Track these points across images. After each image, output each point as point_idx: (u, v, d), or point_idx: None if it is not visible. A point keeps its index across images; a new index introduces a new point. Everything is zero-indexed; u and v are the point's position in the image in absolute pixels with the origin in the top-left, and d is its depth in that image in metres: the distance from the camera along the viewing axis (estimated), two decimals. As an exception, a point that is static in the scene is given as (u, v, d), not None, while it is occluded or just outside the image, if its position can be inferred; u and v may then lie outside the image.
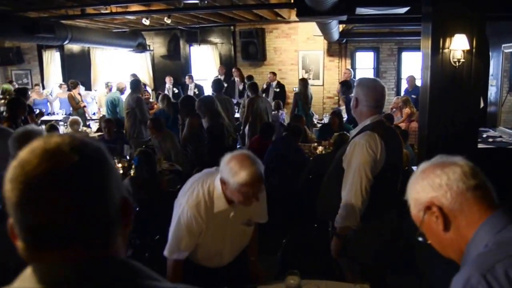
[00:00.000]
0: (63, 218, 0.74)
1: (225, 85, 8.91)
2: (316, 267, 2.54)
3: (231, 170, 2.03)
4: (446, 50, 4.28)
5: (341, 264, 2.70)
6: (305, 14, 5.54)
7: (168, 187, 4.35)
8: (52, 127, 5.86)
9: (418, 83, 8.19)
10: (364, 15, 6.58)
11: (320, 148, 5.95)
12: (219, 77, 10.16)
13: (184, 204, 2.19)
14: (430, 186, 1.20)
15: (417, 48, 9.73)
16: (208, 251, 2.34)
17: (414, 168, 4.62)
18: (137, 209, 3.68)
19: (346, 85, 8.17)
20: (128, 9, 8.02)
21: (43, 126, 7.95)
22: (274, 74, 9.98)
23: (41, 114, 7.95)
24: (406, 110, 7.73)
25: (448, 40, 4.26)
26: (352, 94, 2.89)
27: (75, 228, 0.75)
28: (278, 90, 9.77)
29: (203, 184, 2.20)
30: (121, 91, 8.55)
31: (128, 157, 5.32)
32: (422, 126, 4.71)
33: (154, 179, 4.09)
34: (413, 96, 8.18)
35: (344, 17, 5.87)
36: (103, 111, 9.30)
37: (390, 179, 2.64)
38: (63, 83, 10.97)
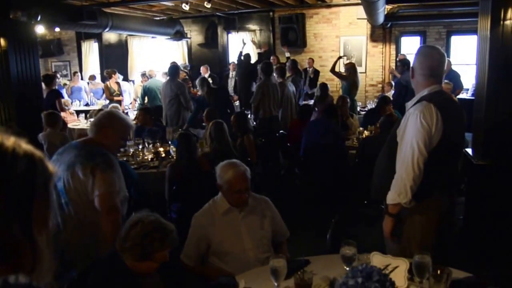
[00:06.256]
0: None
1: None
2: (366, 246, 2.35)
3: (221, 172, 2.56)
4: (507, 22, 3.90)
5: (393, 246, 2.49)
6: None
7: (209, 166, 4.33)
8: (52, 114, 5.30)
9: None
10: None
11: (366, 132, 5.67)
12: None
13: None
14: None
15: (468, 31, 9.34)
16: (232, 256, 2.49)
17: (469, 150, 4.30)
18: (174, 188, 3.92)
19: (403, 62, 7.78)
20: (168, -6, 7.96)
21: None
22: (312, 60, 9.97)
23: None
24: None
25: (510, 11, 3.88)
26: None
27: None
28: (312, 76, 9.67)
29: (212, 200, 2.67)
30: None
31: (170, 142, 5.28)
32: (479, 109, 4.36)
33: (194, 161, 4.14)
34: (445, 81, 7.69)
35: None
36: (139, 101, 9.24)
37: (448, 157, 2.42)
38: (93, 75, 10.91)
